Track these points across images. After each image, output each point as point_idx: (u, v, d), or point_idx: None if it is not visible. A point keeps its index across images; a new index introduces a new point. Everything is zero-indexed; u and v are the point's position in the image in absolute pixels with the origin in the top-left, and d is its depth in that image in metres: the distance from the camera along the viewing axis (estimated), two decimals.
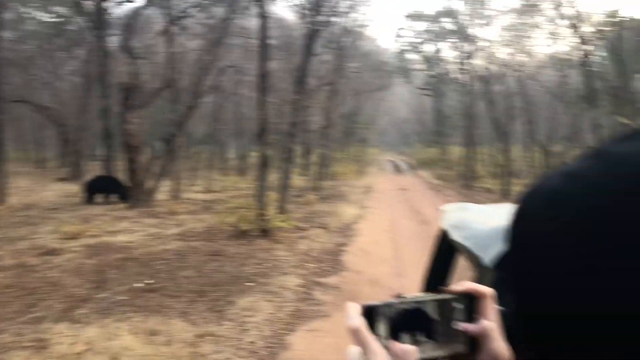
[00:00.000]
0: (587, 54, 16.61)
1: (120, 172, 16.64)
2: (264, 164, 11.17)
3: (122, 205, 14.50)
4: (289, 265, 8.70)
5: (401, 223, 14.16)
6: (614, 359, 0.48)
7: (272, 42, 17.37)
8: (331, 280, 8.08)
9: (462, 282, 0.75)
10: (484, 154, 32.83)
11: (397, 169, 43.36)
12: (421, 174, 36.30)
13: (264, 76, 10.95)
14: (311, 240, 10.94)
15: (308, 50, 13.31)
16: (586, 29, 18.15)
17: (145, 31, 18.28)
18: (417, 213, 16.00)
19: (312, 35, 13.57)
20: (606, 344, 0.48)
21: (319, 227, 12.50)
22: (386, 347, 0.64)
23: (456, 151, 38.97)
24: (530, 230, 0.54)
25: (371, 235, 12.16)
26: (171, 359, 4.91)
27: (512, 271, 0.57)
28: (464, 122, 31.47)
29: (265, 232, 10.65)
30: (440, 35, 37.23)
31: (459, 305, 0.71)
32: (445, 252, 1.70)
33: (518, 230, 0.56)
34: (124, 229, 11.40)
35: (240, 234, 10.55)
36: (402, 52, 41.32)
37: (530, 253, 0.54)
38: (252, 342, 5.54)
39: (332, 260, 9.43)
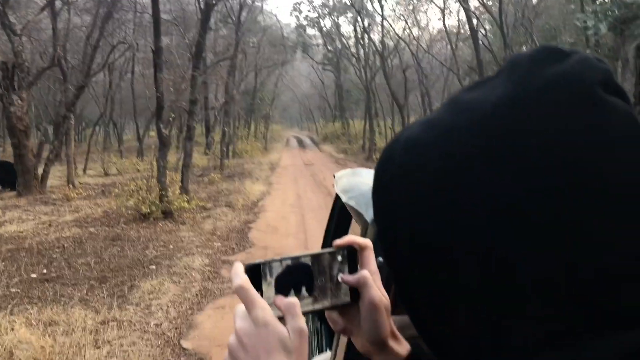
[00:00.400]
0: (474, 28, 17.43)
1: (8, 159, 15.50)
2: (163, 144, 10.84)
3: (10, 194, 13.54)
4: (194, 246, 8.57)
5: (307, 197, 14.32)
6: (467, 297, 0.51)
7: (166, 16, 16.75)
8: (238, 257, 8.05)
9: (344, 237, 0.77)
10: (384, 126, 33.77)
11: (301, 144, 43.64)
12: (325, 148, 36.76)
13: (158, 52, 10.55)
14: (216, 219, 10.81)
15: (204, 24, 12.95)
16: (473, 3, 19.02)
17: (27, 6, 16.96)
18: (322, 186, 16.23)
19: (207, 10, 13.20)
20: (458, 277, 0.51)
21: (225, 206, 12.37)
22: (271, 302, 0.65)
23: (358, 125, 39.80)
24: (391, 175, 0.56)
25: (277, 211, 12.21)
26: (72, 348, 4.71)
27: (376, 212, 0.59)
28: (364, 96, 32.13)
29: (167, 214, 10.39)
30: (339, 10, 37.53)
31: (340, 258, 0.74)
32: (339, 214, 1.75)
33: (380, 175, 0.59)
34: (13, 218, 10.67)
35: (142, 217, 10.22)
36: (301, 26, 41.28)
37: (391, 195, 0.56)
38: (158, 325, 5.43)
39: (239, 238, 9.39)
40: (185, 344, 5.06)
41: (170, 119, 14.49)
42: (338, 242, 0.76)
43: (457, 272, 0.50)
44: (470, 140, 0.49)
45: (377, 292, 0.72)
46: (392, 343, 0.73)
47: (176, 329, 5.38)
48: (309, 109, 61.07)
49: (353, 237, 0.75)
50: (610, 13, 8.87)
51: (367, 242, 0.76)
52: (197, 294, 6.40)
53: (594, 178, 0.45)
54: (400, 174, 0.55)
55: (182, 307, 5.97)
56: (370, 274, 0.72)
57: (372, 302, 0.71)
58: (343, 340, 1.15)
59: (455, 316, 0.52)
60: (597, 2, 9.90)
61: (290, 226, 10.47)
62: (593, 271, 0.45)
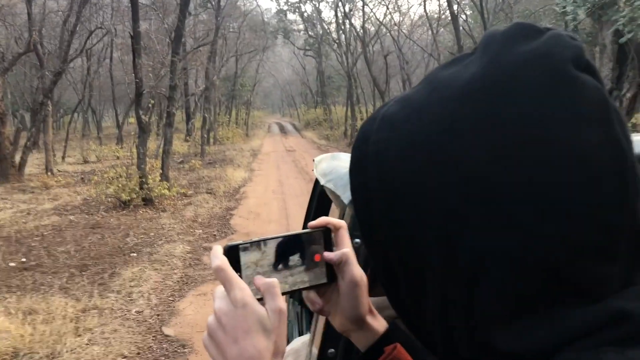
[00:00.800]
0: (455, 13, 17.46)
1: None
2: (142, 130, 10.72)
3: None
4: (176, 233, 8.52)
5: (289, 183, 14.31)
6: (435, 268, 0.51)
7: (145, 1, 16.51)
8: (220, 244, 8.02)
9: (318, 218, 0.78)
10: (366, 112, 33.76)
11: (283, 131, 43.50)
12: (307, 134, 36.69)
13: (136, 37, 10.39)
14: (198, 206, 10.76)
15: (183, 9, 12.77)
16: None
17: None
18: (304, 172, 16.22)
19: None
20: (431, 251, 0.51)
21: (206, 193, 12.31)
22: (250, 283, 0.66)
23: (340, 111, 39.73)
24: (366, 153, 0.57)
25: (260, 197, 12.19)
26: (52, 336, 4.67)
27: (352, 191, 0.60)
28: (345, 83, 32.06)
29: (148, 201, 10.31)
30: None
31: (316, 239, 0.75)
32: (319, 198, 1.75)
33: (356, 153, 0.59)
34: None
35: (122, 205, 10.14)
36: (281, 11, 40.94)
37: (366, 173, 0.57)
38: (139, 312, 5.41)
39: (221, 225, 9.36)
40: (167, 330, 5.06)
41: (150, 105, 14.34)
42: (313, 223, 0.77)
43: (425, 249, 0.51)
44: (442, 116, 0.50)
45: (358, 268, 0.74)
46: (370, 320, 0.75)
47: (158, 315, 5.37)
48: (290, 95, 60.82)
49: (327, 218, 0.77)
50: None
51: (342, 222, 0.77)
52: (178, 281, 6.39)
53: (564, 153, 0.46)
54: (375, 151, 0.55)
55: (163, 294, 5.95)
56: (347, 251, 0.74)
57: (353, 278, 0.73)
58: (321, 320, 1.16)
59: (425, 294, 0.53)
60: None
61: (273, 212, 10.46)
62: (560, 244, 0.46)
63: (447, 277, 0.50)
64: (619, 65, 8.99)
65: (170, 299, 5.83)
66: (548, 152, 0.46)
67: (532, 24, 0.52)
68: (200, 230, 8.86)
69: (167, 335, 4.96)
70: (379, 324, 0.76)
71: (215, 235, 8.66)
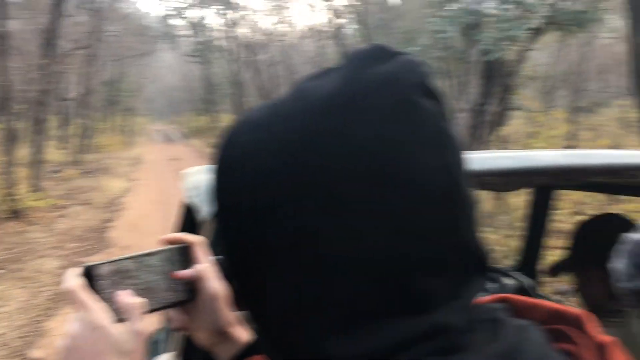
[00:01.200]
0: (339, 27, 17.96)
1: None
2: (9, 138, 9.94)
3: None
4: (46, 248, 7.98)
5: (172, 194, 13.88)
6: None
7: None
8: (96, 258, 7.62)
9: (172, 234, 0.77)
10: None
11: (168, 139, 42.23)
12: (193, 142, 35.91)
13: (3, 37, 9.64)
14: (72, 218, 10.15)
15: (57, 9, 12.04)
16: (338, 2, 19.58)
17: None
18: None
19: None
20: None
21: (82, 204, 11.65)
22: (110, 303, 0.64)
23: (226, 119, 39.33)
24: (229, 158, 0.57)
25: (140, 209, 11.73)
26: None
27: (215, 198, 0.58)
28: (232, 90, 31.82)
29: (16, 214, 9.56)
30: (205, 2, 36.73)
31: (176, 255, 0.74)
32: (185, 214, 1.72)
33: (219, 159, 0.58)
34: None
35: None
36: (166, 16, 39.83)
37: (230, 179, 0.56)
38: (1, 334, 4.99)
39: (97, 238, 8.90)
40: (34, 353, 4.71)
41: (20, 110, 13.34)
42: (167, 239, 0.77)
43: (274, 252, 0.52)
44: (303, 126, 0.51)
45: (216, 283, 0.74)
46: (234, 332, 0.76)
47: (23, 337, 4.99)
48: (176, 102, 59.20)
49: (182, 234, 0.77)
50: (459, 19, 9.56)
51: (198, 238, 0.78)
52: (48, 299, 5.97)
53: (404, 174, 0.49)
54: (239, 155, 0.55)
55: (30, 313, 5.54)
56: (201, 267, 0.74)
57: (211, 293, 0.74)
58: (182, 338, 1.14)
59: (270, 298, 0.54)
60: (449, 9, 10.63)
61: (154, 224, 10.11)
62: (395, 259, 0.49)
63: (287, 281, 0.51)
64: (486, 81, 9.70)
65: (38, 318, 5.43)
66: (390, 173, 0.49)
67: (387, 47, 0.55)
68: (74, 244, 8.35)
69: (34, 359, 4.62)
70: (244, 335, 0.76)
71: (91, 249, 8.21)
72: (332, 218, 0.49)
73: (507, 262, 3.07)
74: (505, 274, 2.40)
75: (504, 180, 1.54)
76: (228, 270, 0.59)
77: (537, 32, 9.26)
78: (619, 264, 0.71)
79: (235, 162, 0.56)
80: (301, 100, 0.54)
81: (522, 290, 2.34)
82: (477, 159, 1.31)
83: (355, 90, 0.51)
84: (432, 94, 0.53)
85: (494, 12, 9.27)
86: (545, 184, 2.27)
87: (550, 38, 12.17)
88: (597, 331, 0.60)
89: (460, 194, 0.52)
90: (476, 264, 0.54)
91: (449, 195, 0.51)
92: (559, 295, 3.24)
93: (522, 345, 0.53)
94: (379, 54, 0.54)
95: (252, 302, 0.58)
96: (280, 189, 0.51)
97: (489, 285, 2.36)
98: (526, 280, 2.39)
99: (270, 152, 0.52)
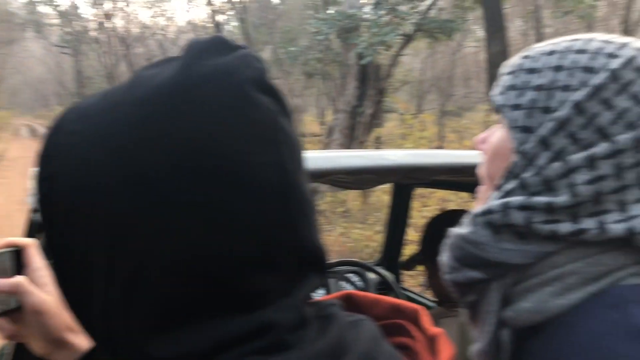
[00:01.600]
0: (219, 23, 17.75)
1: None
2: None
3: None
4: None
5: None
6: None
7: None
8: None
9: (3, 239, 0.74)
10: None
11: (35, 134, 39.41)
12: None
13: None
14: None
15: None
16: None
17: None
18: None
19: None
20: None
21: None
22: None
23: None
24: (58, 141, 0.53)
25: (0, 210, 10.82)
26: None
27: (36, 179, 0.55)
28: (106, 84, 30.32)
29: None
30: None
31: (4, 261, 0.70)
32: (31, 216, 1.60)
33: (48, 140, 0.55)
34: None
35: None
36: (32, 3, 37.04)
37: (53, 163, 0.53)
38: None
39: None
40: None
41: None
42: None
43: (94, 248, 0.50)
44: (132, 116, 0.49)
45: (37, 295, 0.71)
46: (72, 338, 0.73)
47: None
48: (44, 95, 55.26)
49: (11, 239, 0.73)
50: (337, 22, 9.83)
51: (29, 241, 0.74)
52: None
53: (234, 170, 0.48)
54: (65, 143, 0.52)
55: None
56: (33, 271, 0.71)
57: (32, 306, 0.70)
58: (15, 346, 1.07)
59: (92, 295, 0.52)
60: (327, 11, 10.90)
61: (17, 227, 9.36)
62: (224, 257, 0.48)
63: (109, 280, 0.49)
64: (362, 84, 10.06)
65: None
66: (220, 168, 0.48)
67: (228, 40, 0.54)
68: None
69: None
70: (83, 340, 0.73)
71: None
72: (154, 214, 0.47)
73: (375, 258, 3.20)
74: (369, 268, 2.50)
75: (356, 179, 1.61)
76: (52, 272, 0.57)
77: (409, 38, 9.77)
78: (444, 257, 0.77)
79: (57, 151, 0.53)
80: (133, 89, 0.52)
81: (384, 284, 2.45)
82: (330, 158, 1.36)
83: (189, 81, 0.49)
84: (269, 90, 0.52)
85: (369, 17, 9.63)
86: (395, 181, 2.39)
87: (421, 45, 12.89)
88: (430, 324, 0.64)
89: (295, 191, 0.52)
90: (312, 262, 0.55)
91: (283, 192, 0.51)
92: (422, 287, 3.44)
93: (350, 340, 0.54)
94: (219, 46, 0.53)
95: (75, 304, 0.56)
96: (99, 181, 0.49)
97: (354, 280, 2.45)
98: (389, 275, 2.50)
99: (94, 142, 0.50)
